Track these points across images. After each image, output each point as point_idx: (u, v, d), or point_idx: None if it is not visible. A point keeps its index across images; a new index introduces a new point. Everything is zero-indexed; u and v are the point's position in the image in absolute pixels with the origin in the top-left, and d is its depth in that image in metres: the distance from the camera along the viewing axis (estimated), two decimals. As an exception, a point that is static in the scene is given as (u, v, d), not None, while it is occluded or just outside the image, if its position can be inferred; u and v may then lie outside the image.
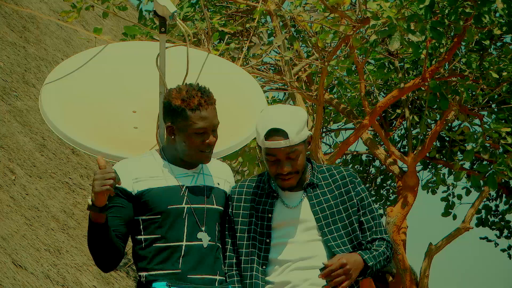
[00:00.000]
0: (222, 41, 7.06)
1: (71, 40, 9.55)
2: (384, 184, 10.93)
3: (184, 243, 3.29)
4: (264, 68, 7.99)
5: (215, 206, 3.39)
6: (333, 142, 10.08)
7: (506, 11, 6.64)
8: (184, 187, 3.36)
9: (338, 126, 9.95)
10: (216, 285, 3.33)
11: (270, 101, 9.10)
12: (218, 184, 3.47)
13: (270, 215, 3.42)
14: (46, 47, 8.85)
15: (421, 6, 6.09)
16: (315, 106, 7.45)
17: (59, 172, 7.22)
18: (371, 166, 10.85)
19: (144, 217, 3.33)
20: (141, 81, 4.08)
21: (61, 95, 4.00)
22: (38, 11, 9.40)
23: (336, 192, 3.48)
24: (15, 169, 6.69)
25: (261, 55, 6.37)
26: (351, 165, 10.74)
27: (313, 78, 7.80)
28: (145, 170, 3.38)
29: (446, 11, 6.60)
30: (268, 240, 3.40)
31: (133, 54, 4.26)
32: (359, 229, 3.47)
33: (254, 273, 3.38)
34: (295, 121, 3.41)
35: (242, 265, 3.41)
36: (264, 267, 3.38)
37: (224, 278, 3.39)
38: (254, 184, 3.52)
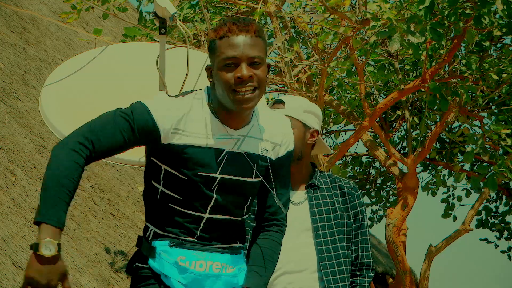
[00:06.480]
0: (222, 43, 7.05)
1: (71, 42, 9.55)
2: (384, 186, 10.95)
3: (206, 215, 2.84)
4: (264, 70, 7.99)
5: (252, 179, 2.88)
6: (333, 143, 10.09)
7: (506, 12, 6.64)
8: (224, 151, 2.83)
9: (338, 128, 9.98)
10: (231, 251, 2.91)
11: (269, 102, 9.12)
12: (266, 151, 2.90)
13: None
14: (46, 49, 8.85)
15: (421, 7, 6.09)
16: (315, 107, 7.45)
17: (59, 174, 7.21)
18: (371, 168, 10.87)
19: (168, 169, 2.84)
20: (141, 83, 4.08)
21: (61, 97, 3.99)
22: (38, 12, 9.40)
23: (335, 199, 3.50)
24: (15, 170, 6.68)
25: (261, 57, 6.35)
26: (351, 166, 10.77)
27: (313, 79, 7.80)
28: (188, 122, 2.84)
29: (446, 12, 6.60)
30: None
31: (133, 56, 4.25)
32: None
33: None
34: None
35: None
36: None
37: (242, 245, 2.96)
38: None
